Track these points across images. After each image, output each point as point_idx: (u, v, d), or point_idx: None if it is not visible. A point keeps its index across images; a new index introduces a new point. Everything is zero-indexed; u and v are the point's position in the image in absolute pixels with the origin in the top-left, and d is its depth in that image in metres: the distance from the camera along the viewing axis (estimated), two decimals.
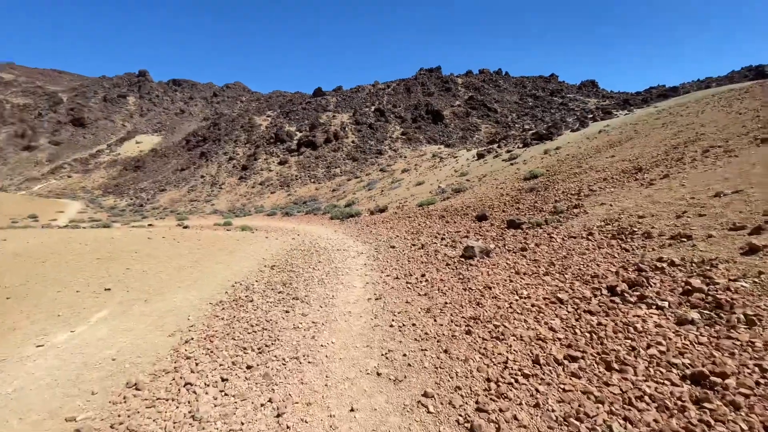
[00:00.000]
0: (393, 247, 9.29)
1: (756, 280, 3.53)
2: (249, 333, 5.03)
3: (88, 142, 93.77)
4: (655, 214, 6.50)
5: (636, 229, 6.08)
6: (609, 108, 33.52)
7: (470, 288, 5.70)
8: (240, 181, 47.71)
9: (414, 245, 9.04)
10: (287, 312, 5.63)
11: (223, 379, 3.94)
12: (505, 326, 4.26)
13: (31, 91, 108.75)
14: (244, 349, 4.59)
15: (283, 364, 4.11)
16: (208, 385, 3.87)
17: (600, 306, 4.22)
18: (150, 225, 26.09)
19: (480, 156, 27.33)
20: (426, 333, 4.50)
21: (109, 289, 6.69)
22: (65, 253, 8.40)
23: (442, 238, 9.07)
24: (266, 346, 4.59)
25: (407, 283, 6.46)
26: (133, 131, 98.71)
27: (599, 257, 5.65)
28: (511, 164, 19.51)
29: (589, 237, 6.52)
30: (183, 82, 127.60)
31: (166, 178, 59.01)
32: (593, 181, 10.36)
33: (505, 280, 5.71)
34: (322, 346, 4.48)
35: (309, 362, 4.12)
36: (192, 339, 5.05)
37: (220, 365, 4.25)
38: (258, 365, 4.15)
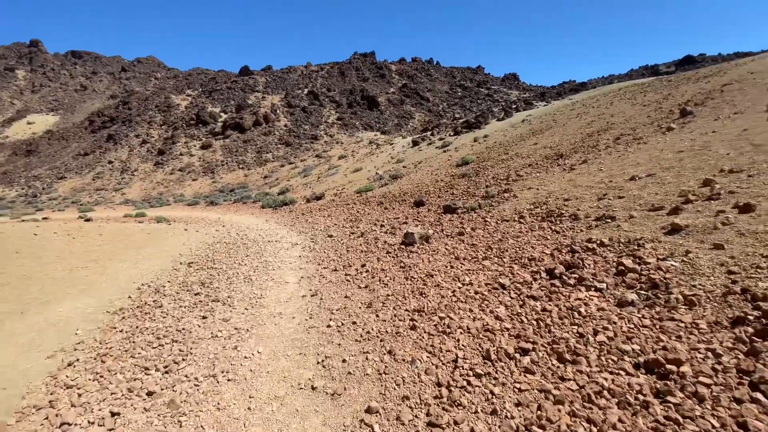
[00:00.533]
0: (330, 236, 8.67)
1: (684, 259, 3.66)
2: (154, 347, 4.13)
3: None
4: (578, 196, 6.76)
5: (563, 212, 6.26)
6: (530, 99, 35.87)
7: (412, 277, 5.39)
8: (156, 167, 42.74)
9: (353, 233, 8.52)
10: (204, 318, 4.78)
11: (113, 414, 3.10)
12: (451, 318, 4.00)
13: None
14: (146, 369, 3.73)
15: (196, 386, 3.38)
16: (92, 424, 3.02)
17: (542, 290, 4.15)
18: (44, 218, 22.07)
19: (415, 143, 27.53)
20: (368, 332, 4.07)
21: None
22: None
23: (382, 225, 8.68)
24: (175, 363, 3.78)
25: (346, 275, 5.95)
26: (23, 110, 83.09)
27: (533, 240, 5.70)
28: (444, 151, 19.86)
29: (521, 220, 6.61)
30: (84, 54, 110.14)
31: (65, 164, 50.65)
32: (520, 167, 10.72)
33: (446, 267, 5.50)
34: (246, 357, 3.80)
35: (229, 380, 3.43)
36: (77, 361, 4.03)
37: (112, 394, 3.38)
38: (162, 390, 3.37)
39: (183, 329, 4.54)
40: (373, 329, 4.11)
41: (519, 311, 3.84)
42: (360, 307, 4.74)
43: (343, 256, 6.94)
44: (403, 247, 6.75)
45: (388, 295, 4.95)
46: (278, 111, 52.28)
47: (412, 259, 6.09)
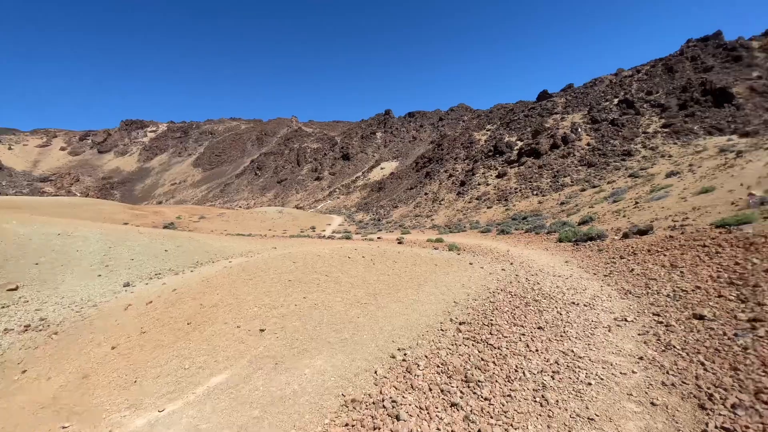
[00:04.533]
0: (701, 317, 4.77)
1: None
2: None
3: (350, 171, 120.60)
4: None
5: None
6: None
7: None
8: (458, 196, 48.07)
9: (758, 322, 4.23)
10: None
11: None
12: None
13: (320, 138, 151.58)
14: None
15: None
16: None
17: None
18: (378, 237, 28.94)
19: None
20: None
21: (263, 330, 5.94)
22: (271, 271, 8.82)
23: None
24: None
25: None
26: (379, 159, 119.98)
27: None
28: None
29: None
30: (416, 113, 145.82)
31: (398, 196, 67.35)
32: None
33: None
34: None
35: None
36: None
37: None
38: None
39: None
40: None
41: None
42: None
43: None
44: None
45: None
46: (579, 129, 46.57)
47: None
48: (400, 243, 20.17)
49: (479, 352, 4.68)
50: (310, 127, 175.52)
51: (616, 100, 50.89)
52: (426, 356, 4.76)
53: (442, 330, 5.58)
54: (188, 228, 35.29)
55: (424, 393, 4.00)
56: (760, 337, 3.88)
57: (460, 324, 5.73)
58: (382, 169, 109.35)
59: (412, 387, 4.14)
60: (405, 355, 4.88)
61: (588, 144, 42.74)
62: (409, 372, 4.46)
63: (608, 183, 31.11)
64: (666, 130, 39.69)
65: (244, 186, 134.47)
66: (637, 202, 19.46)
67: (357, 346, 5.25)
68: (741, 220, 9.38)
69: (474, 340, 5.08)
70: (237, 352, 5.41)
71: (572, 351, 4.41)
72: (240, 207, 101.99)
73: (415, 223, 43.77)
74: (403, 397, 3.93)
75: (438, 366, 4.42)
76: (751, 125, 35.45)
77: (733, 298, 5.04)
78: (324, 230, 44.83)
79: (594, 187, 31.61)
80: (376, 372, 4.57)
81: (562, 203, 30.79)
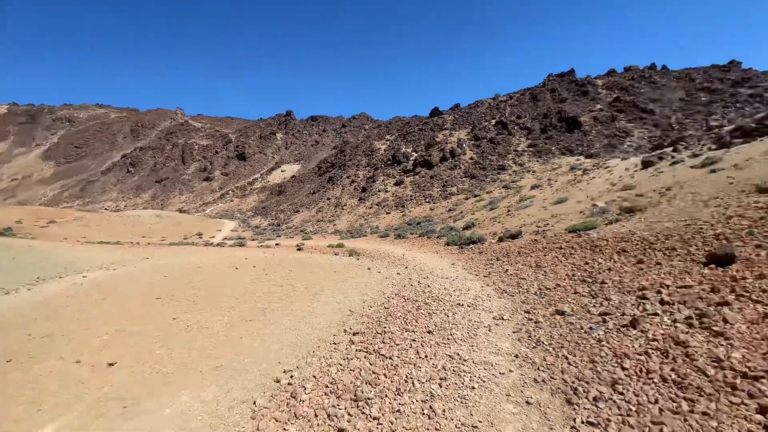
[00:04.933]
0: (561, 313, 5.44)
1: None
2: None
3: (246, 172, 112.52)
4: None
5: None
6: None
7: None
8: (359, 202, 48.82)
9: (608, 316, 4.97)
10: None
11: None
12: None
13: (211, 134, 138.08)
14: None
15: None
16: None
17: None
18: (277, 244, 27.29)
19: (647, 164, 20.61)
20: None
21: (112, 365, 4.88)
22: (135, 287, 7.41)
23: (664, 303, 4.85)
24: None
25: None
26: (279, 161, 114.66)
27: None
28: (712, 171, 13.29)
29: None
30: (319, 117, 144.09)
31: (300, 200, 65.21)
32: None
33: None
34: None
35: None
36: None
37: None
38: None
39: None
40: None
41: None
42: None
43: (627, 390, 3.48)
44: None
45: None
46: (464, 145, 51.91)
47: None
48: (299, 249, 19.34)
49: (371, 364, 4.54)
50: (199, 121, 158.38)
51: (493, 121, 58.33)
52: (314, 376, 4.40)
53: (334, 343, 5.30)
54: (32, 235, 28.11)
55: (309, 421, 3.65)
56: (610, 329, 4.59)
57: (354, 335, 5.54)
58: (282, 171, 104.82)
59: (295, 416, 3.74)
60: (291, 377, 4.44)
61: (471, 158, 47.91)
62: (294, 397, 4.05)
63: (487, 193, 35.21)
64: (531, 149, 46.91)
65: (112, 185, 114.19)
66: (509, 210, 22.33)
67: (235, 373, 4.58)
68: (588, 226, 11.41)
69: (367, 352, 4.92)
70: (73, 396, 4.23)
71: (458, 354, 4.58)
72: (106, 210, 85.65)
73: (317, 229, 42.84)
74: (284, 429, 3.48)
75: (327, 386, 4.11)
76: (594, 148, 44.28)
77: (586, 294, 5.95)
78: (213, 237, 40.74)
79: (475, 196, 35.42)
80: (254, 402, 4.00)
81: (450, 210, 33.69)
